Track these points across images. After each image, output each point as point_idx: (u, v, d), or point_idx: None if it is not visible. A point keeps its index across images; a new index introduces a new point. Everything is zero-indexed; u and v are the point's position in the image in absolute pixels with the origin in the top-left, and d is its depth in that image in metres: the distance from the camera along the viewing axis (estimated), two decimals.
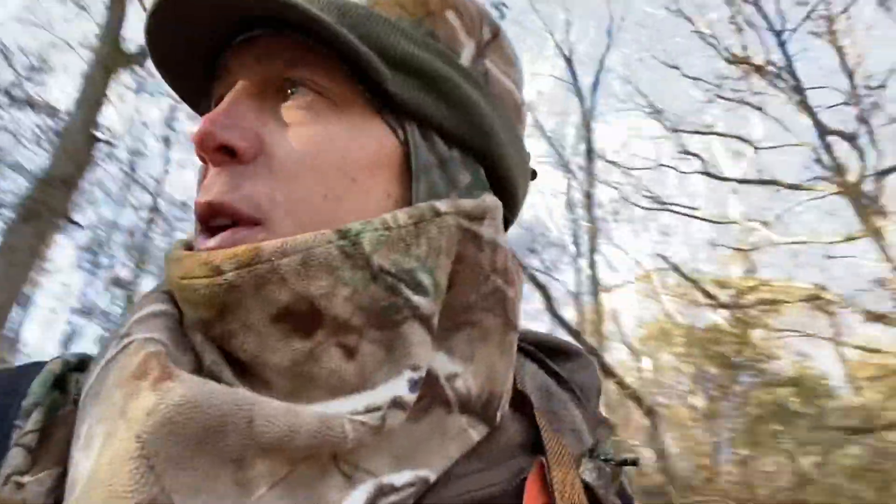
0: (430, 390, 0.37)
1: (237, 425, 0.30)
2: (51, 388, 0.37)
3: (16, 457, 0.33)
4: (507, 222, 0.47)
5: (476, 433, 0.38)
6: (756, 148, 10.15)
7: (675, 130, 10.33)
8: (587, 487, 0.42)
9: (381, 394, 0.34)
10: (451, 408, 0.37)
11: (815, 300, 10.60)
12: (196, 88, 0.45)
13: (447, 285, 0.38)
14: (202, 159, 0.39)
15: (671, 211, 11.32)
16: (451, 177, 0.41)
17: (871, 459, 11.50)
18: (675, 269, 11.89)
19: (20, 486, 0.32)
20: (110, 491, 0.28)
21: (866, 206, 8.09)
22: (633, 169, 11.09)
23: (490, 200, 0.42)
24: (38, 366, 0.39)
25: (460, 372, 0.38)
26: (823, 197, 9.21)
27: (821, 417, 12.11)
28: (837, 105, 8.52)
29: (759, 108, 9.59)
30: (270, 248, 0.34)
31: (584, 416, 0.46)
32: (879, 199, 8.46)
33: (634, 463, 0.47)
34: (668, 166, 11.01)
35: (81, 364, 0.40)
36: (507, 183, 0.45)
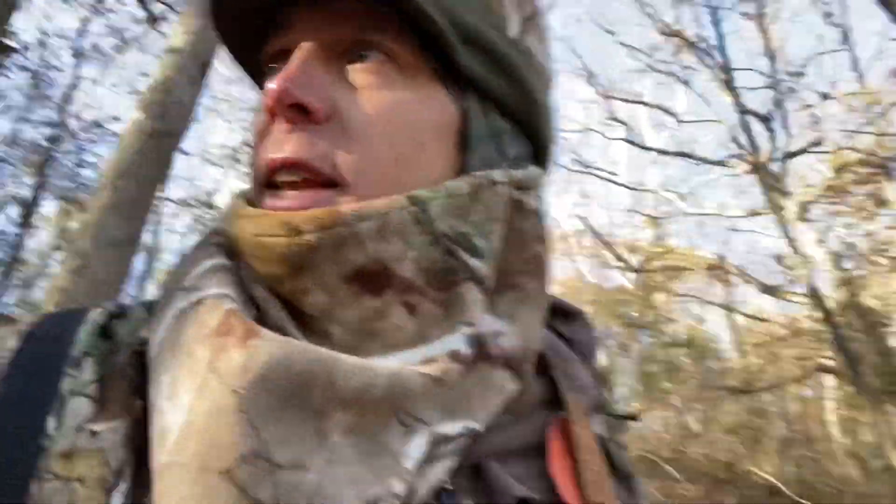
0: (478, 347, 0.39)
1: (321, 380, 0.32)
2: (98, 338, 0.37)
3: (82, 406, 0.33)
4: None
5: (513, 388, 0.41)
6: (679, 121, 10.55)
7: (607, 96, 10.55)
8: (599, 439, 0.45)
9: (436, 347, 0.37)
10: (495, 364, 0.39)
11: (716, 270, 11.31)
12: (242, 38, 0.44)
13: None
14: (271, 114, 0.39)
15: (594, 175, 11.64)
16: (502, 148, 0.43)
17: (746, 418, 12.61)
18: (593, 231, 12.33)
19: (94, 433, 0.32)
20: (212, 441, 0.29)
21: (771, 184, 8.62)
22: (562, 130, 11.27)
23: (536, 172, 0.44)
24: (76, 313, 0.39)
25: (504, 331, 0.40)
26: (735, 174, 9.74)
27: (707, 377, 13.11)
28: (759, 88, 8.96)
29: (686, 83, 9.94)
30: (349, 211, 0.35)
31: (588, 373, 0.49)
32: (783, 179, 9.04)
33: (636, 417, 0.51)
34: (596, 131, 11.26)
35: (122, 313, 0.41)
36: (544, 156, 0.47)
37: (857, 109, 9.18)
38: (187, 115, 3.40)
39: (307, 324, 0.37)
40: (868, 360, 7.63)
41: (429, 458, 0.35)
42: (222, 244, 0.41)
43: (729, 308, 12.36)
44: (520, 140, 0.44)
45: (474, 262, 0.38)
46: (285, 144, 0.38)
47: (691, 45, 8.94)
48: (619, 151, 13.19)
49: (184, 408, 0.31)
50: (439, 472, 0.35)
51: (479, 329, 0.39)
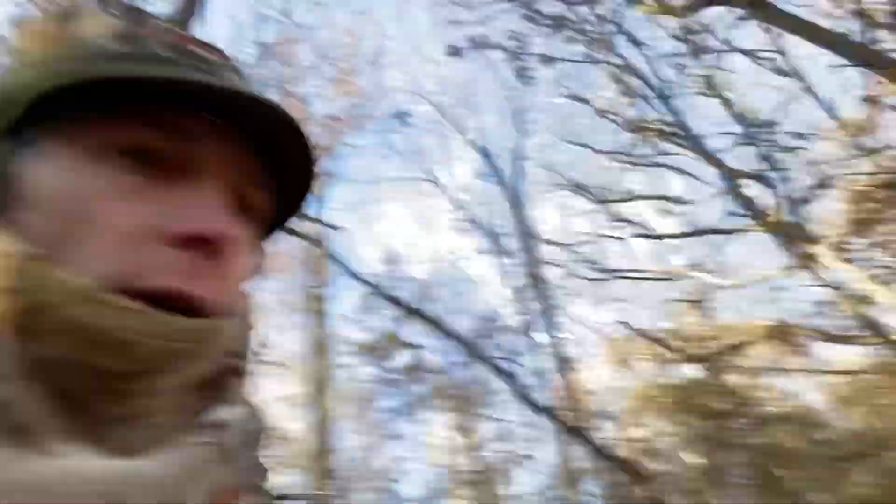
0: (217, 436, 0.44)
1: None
2: None
3: None
4: None
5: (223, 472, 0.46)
6: (679, 203, 10.59)
7: (603, 202, 10.75)
8: None
9: (198, 437, 0.42)
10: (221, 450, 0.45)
11: (779, 334, 10.71)
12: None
13: None
14: (190, 244, 0.41)
15: (620, 277, 11.54)
16: None
17: (880, 482, 11.21)
18: (639, 331, 11.97)
19: None
20: None
21: (793, 236, 8.39)
22: (573, 244, 11.38)
23: None
24: None
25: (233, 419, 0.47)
26: (750, 236, 9.55)
27: (818, 451, 11.89)
28: (736, 147, 9.02)
29: (670, 167, 10.11)
30: (216, 321, 0.43)
31: (250, 456, 0.52)
32: (804, 227, 8.79)
33: (289, 497, 0.55)
34: (606, 235, 11.33)
35: None
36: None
37: (846, 142, 9.10)
38: None
39: (99, 428, 0.38)
40: None
41: None
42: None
43: (809, 370, 11.54)
44: None
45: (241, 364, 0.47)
46: (203, 280, 0.41)
47: (659, 132, 9.21)
48: (637, 248, 13.17)
49: None
50: None
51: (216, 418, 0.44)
